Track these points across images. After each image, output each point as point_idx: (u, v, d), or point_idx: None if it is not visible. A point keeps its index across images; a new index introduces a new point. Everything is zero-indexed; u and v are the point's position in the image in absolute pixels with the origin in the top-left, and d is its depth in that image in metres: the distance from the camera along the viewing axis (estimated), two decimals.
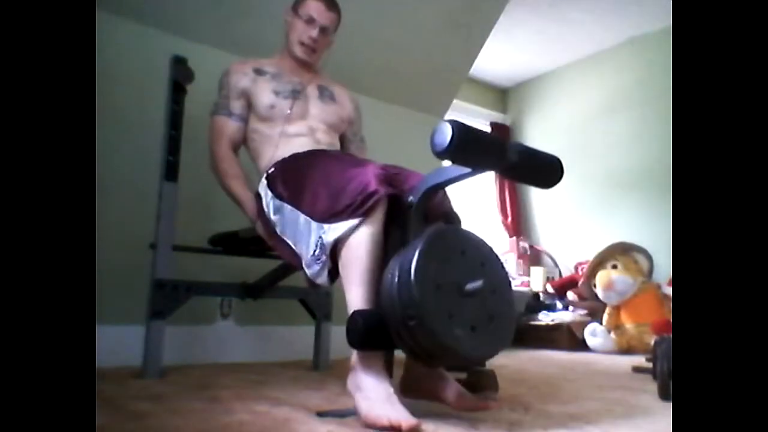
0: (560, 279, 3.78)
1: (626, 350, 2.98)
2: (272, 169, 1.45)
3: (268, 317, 2.17)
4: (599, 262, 3.25)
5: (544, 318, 3.32)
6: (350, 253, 1.10)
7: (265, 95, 1.59)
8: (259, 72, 1.63)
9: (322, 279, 1.18)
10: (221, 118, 1.61)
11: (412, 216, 1.09)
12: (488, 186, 4.43)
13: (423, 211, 1.11)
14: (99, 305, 1.09)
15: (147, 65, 1.99)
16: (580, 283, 3.38)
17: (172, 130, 1.64)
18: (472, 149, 0.94)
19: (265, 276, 1.83)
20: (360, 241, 1.09)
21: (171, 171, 1.63)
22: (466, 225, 1.24)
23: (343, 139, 1.76)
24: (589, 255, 3.40)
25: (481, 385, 1.35)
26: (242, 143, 1.66)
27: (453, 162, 0.98)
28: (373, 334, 1.00)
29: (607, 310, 3.15)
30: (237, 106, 1.61)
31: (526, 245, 4.21)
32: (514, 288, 1.17)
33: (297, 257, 1.25)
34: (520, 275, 3.99)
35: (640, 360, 2.29)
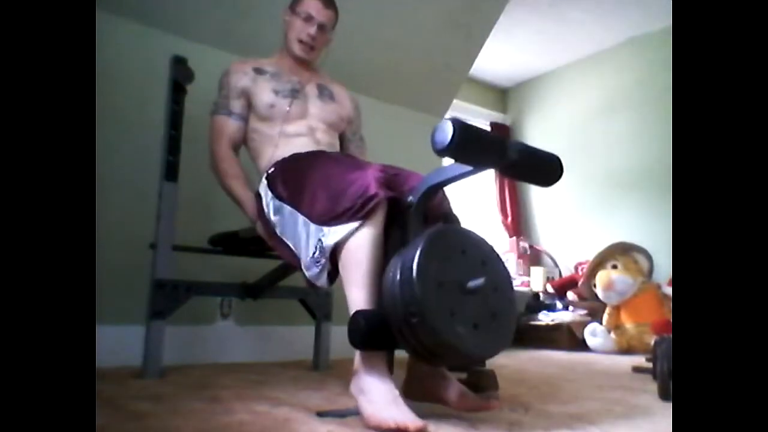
0: (560, 279, 3.78)
1: (626, 350, 2.98)
2: (272, 169, 1.45)
3: (268, 317, 2.17)
4: (599, 262, 3.25)
5: (544, 318, 3.32)
6: (351, 256, 1.10)
7: (264, 94, 1.59)
8: (258, 71, 1.63)
9: (321, 281, 1.18)
10: (221, 118, 1.61)
11: (412, 216, 1.09)
12: (488, 186, 4.43)
13: (423, 211, 1.11)
14: (99, 305, 1.09)
15: (147, 65, 1.99)
16: (580, 283, 3.38)
17: (172, 130, 1.64)
18: (472, 147, 0.94)
19: (265, 276, 1.83)
20: (360, 244, 1.09)
21: (171, 171, 1.63)
22: (466, 225, 1.24)
23: (342, 138, 1.76)
24: (589, 255, 3.40)
25: (481, 385, 1.35)
26: (242, 143, 1.66)
27: (454, 160, 0.98)
28: (375, 334, 1.00)
29: (607, 310, 3.15)
30: (237, 105, 1.61)
31: (526, 245, 4.21)
32: (515, 287, 1.16)
33: (297, 258, 1.25)
34: (520, 275, 3.99)
35: (640, 360, 2.29)
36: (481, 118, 4.49)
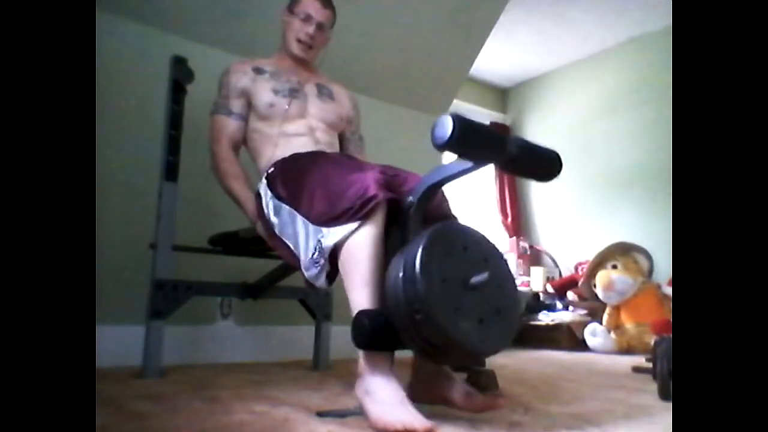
0: (560, 279, 3.78)
1: (626, 350, 2.98)
2: (272, 169, 1.45)
3: (268, 317, 2.17)
4: (599, 262, 3.25)
5: (544, 318, 3.32)
6: (351, 256, 1.09)
7: (264, 93, 1.59)
8: (258, 71, 1.64)
9: (320, 281, 1.18)
10: (221, 118, 1.61)
11: (412, 216, 1.09)
12: (488, 186, 4.43)
13: (423, 211, 1.11)
14: (99, 305, 1.09)
15: (147, 65, 1.99)
16: (580, 283, 3.38)
17: (172, 130, 1.64)
18: (472, 142, 0.94)
19: (265, 276, 1.83)
20: (360, 244, 1.08)
21: (171, 171, 1.63)
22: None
23: (341, 138, 1.77)
24: (589, 255, 3.40)
25: (480, 385, 1.35)
26: (243, 143, 1.66)
27: (455, 155, 0.98)
28: (379, 334, 0.99)
29: (607, 310, 3.15)
30: (237, 105, 1.61)
31: (526, 245, 4.21)
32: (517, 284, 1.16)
33: (296, 258, 1.25)
34: (520, 275, 3.99)
35: (640, 360, 2.29)
36: (481, 118, 4.48)
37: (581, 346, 3.07)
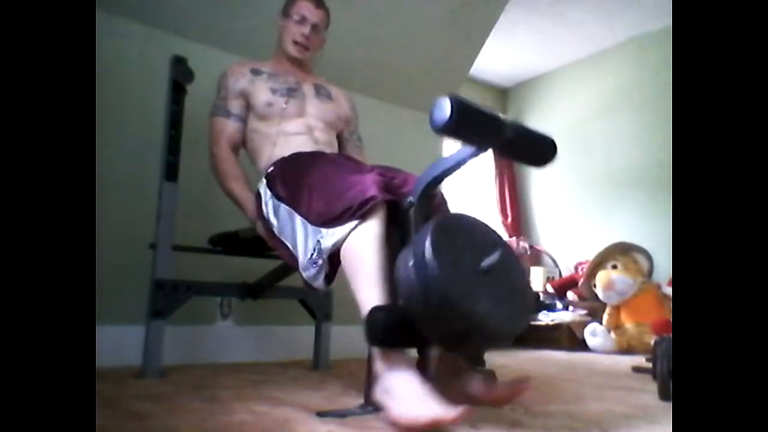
0: (560, 279, 3.78)
1: (626, 350, 2.98)
2: (271, 169, 1.46)
3: (268, 317, 2.17)
4: (599, 262, 3.25)
5: (544, 318, 3.32)
6: (353, 256, 1.08)
7: (262, 93, 1.60)
8: (255, 72, 1.65)
9: (319, 282, 1.18)
10: (220, 120, 1.62)
11: (413, 216, 1.08)
12: (488, 186, 4.43)
13: (424, 211, 1.10)
14: (99, 305, 1.09)
15: (147, 65, 1.99)
16: (580, 283, 3.38)
17: (172, 130, 1.64)
18: (471, 124, 0.92)
19: (265, 276, 1.83)
20: (362, 242, 1.08)
21: (171, 171, 1.63)
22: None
23: (340, 138, 1.77)
24: (589, 255, 3.40)
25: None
26: (241, 144, 1.66)
27: (453, 138, 0.97)
28: (395, 329, 0.95)
29: (607, 310, 3.15)
30: (235, 106, 1.62)
31: (526, 245, 4.20)
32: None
33: (294, 258, 1.25)
34: None
35: (640, 360, 2.29)
36: None
37: (581, 346, 3.07)
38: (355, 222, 1.08)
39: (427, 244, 0.90)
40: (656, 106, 3.58)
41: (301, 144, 1.56)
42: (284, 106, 1.60)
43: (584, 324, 3.13)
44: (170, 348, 1.70)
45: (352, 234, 1.08)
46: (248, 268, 1.89)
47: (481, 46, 2.92)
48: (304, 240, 1.19)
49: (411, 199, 1.10)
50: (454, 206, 1.30)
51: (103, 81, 1.79)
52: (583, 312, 3.28)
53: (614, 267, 3.20)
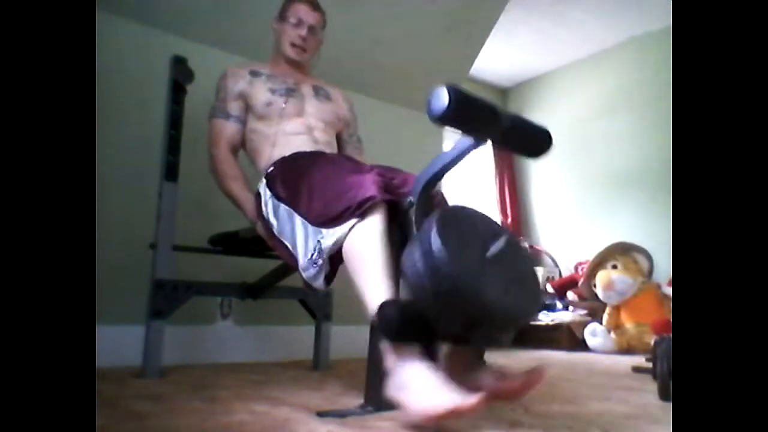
0: (560, 279, 3.78)
1: (626, 350, 2.98)
2: (272, 168, 1.46)
3: (268, 317, 2.17)
4: (599, 262, 3.26)
5: (544, 318, 3.32)
6: (356, 251, 1.07)
7: (261, 93, 1.61)
8: (254, 74, 1.66)
9: (319, 282, 1.18)
10: (219, 121, 1.63)
11: (413, 216, 1.08)
12: (488, 186, 4.43)
13: (424, 209, 1.09)
14: (99, 305, 1.09)
15: (147, 65, 1.99)
16: (580, 283, 3.38)
17: (172, 130, 1.64)
18: (468, 113, 0.93)
19: (265, 276, 1.83)
20: (364, 237, 1.07)
21: (171, 171, 1.63)
22: None
23: (339, 140, 1.79)
24: (589, 255, 3.40)
25: None
26: (241, 146, 1.67)
27: (451, 127, 0.97)
28: (408, 321, 0.93)
29: (607, 310, 3.15)
30: (234, 107, 1.63)
31: (526, 245, 4.21)
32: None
33: (294, 259, 1.25)
34: None
35: (640, 360, 2.29)
36: None
37: (581, 346, 3.07)
38: (354, 220, 1.07)
39: (433, 233, 0.88)
40: (656, 106, 3.58)
41: (301, 144, 1.56)
42: (283, 106, 1.61)
43: (584, 324, 3.13)
44: (170, 348, 1.70)
45: (353, 231, 1.07)
46: (248, 268, 1.89)
47: (481, 46, 2.92)
48: (304, 240, 1.19)
49: (411, 199, 1.10)
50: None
51: (103, 81, 1.80)
52: (583, 312, 3.28)
53: (614, 267, 3.20)
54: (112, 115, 1.88)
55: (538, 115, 4.47)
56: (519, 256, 1.00)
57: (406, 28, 2.56)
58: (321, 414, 1.08)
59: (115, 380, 1.44)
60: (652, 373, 1.69)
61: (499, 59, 4.20)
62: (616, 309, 3.14)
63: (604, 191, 3.89)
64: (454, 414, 0.81)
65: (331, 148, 1.66)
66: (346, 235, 1.08)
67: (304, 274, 1.20)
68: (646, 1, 3.40)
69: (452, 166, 1.02)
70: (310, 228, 1.17)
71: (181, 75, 1.68)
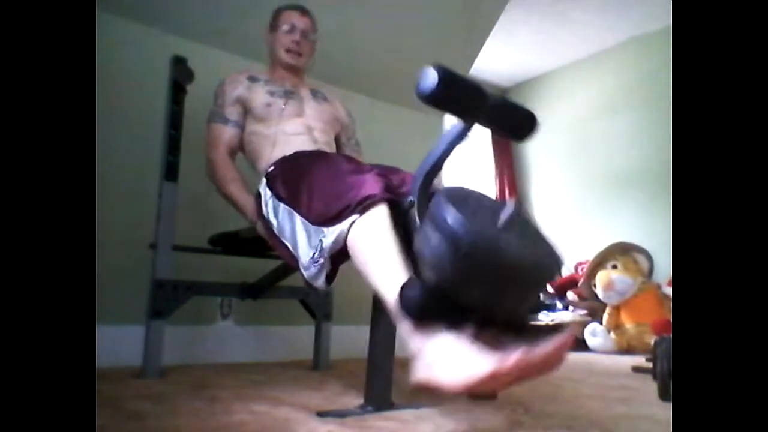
0: (560, 279, 3.78)
1: (626, 350, 2.98)
2: (272, 168, 1.46)
3: (268, 317, 2.17)
4: (599, 262, 3.26)
5: (544, 318, 3.32)
6: (361, 243, 1.05)
7: (260, 96, 1.64)
8: (253, 79, 1.69)
9: (320, 282, 1.18)
10: (217, 126, 1.64)
11: (414, 214, 1.07)
12: (488, 186, 4.43)
13: (425, 205, 1.08)
14: (99, 305, 1.09)
15: (147, 65, 1.99)
16: (580, 283, 3.38)
17: (172, 130, 1.64)
18: (456, 92, 0.93)
19: (265, 276, 1.83)
20: (370, 226, 1.04)
21: (171, 171, 1.63)
22: None
23: (338, 143, 1.81)
24: (589, 255, 3.40)
25: None
26: (239, 149, 1.68)
27: (439, 108, 0.97)
28: (432, 299, 0.88)
29: (607, 310, 3.15)
30: (232, 112, 1.65)
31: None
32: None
33: (294, 258, 1.25)
34: None
35: (640, 360, 2.29)
36: None
37: (581, 346, 3.07)
38: (355, 216, 1.06)
39: (444, 205, 0.87)
40: (656, 106, 3.58)
41: (301, 144, 1.57)
42: (283, 106, 1.63)
43: (584, 324, 3.13)
44: (170, 348, 1.70)
45: (355, 225, 1.05)
46: (248, 268, 1.89)
47: (481, 46, 2.92)
48: (306, 239, 1.19)
49: (411, 198, 1.09)
50: None
51: (103, 81, 1.80)
52: (583, 312, 3.28)
53: (614, 267, 3.20)
54: (112, 115, 1.88)
55: (538, 115, 4.46)
56: (530, 223, 1.00)
57: (405, 28, 2.56)
58: (321, 414, 1.08)
59: (115, 380, 1.44)
60: (652, 373, 1.69)
61: (499, 59, 4.20)
62: (616, 309, 3.14)
63: (604, 191, 3.89)
64: (494, 377, 0.75)
65: (331, 149, 1.67)
66: (348, 231, 1.07)
67: (306, 274, 1.20)
68: (646, 1, 3.40)
69: (446, 156, 1.00)
70: (312, 227, 1.17)
71: (181, 75, 1.68)
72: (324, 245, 1.12)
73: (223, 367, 1.85)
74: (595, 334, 3.02)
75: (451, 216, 0.85)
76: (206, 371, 1.73)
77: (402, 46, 2.62)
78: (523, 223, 0.96)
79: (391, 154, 1.82)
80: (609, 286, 3.11)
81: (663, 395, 1.39)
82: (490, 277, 0.86)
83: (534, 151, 4.47)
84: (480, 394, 0.90)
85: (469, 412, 1.14)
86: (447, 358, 0.83)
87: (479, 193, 1.02)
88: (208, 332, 2.04)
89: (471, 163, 4.48)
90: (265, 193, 1.40)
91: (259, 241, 1.48)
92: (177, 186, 1.64)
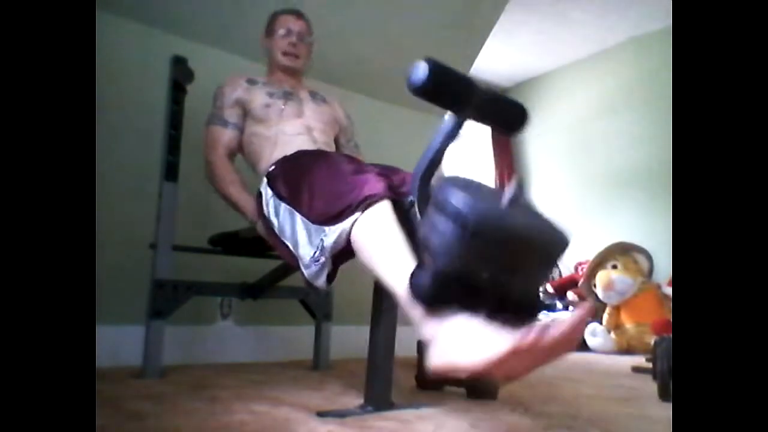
0: (560, 279, 3.78)
1: (626, 350, 2.98)
2: (273, 167, 1.46)
3: (268, 317, 2.17)
4: (599, 262, 3.25)
5: (544, 318, 3.32)
6: (365, 238, 1.04)
7: (259, 97, 1.65)
8: (251, 82, 1.70)
9: (321, 281, 1.18)
10: (216, 128, 1.65)
11: (415, 213, 1.07)
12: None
13: (426, 199, 1.07)
14: (99, 305, 1.09)
15: (147, 65, 1.99)
16: (580, 283, 3.38)
17: (172, 130, 1.65)
18: (446, 85, 0.94)
19: (265, 276, 1.83)
20: (372, 223, 1.04)
21: (171, 171, 1.63)
22: None
23: (337, 145, 1.82)
24: (589, 255, 3.40)
25: (480, 385, 1.35)
26: (238, 151, 1.69)
27: (430, 100, 0.96)
28: (443, 284, 0.86)
29: (607, 310, 3.15)
30: (231, 114, 1.65)
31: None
32: None
33: (295, 258, 1.25)
34: None
35: (640, 360, 2.29)
36: None
37: (581, 346, 3.07)
38: (357, 214, 1.06)
39: (447, 189, 0.86)
40: (656, 106, 3.58)
41: (301, 144, 1.58)
42: (282, 107, 1.64)
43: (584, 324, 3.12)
44: (170, 348, 1.70)
45: (359, 220, 1.05)
46: (248, 268, 1.89)
47: (481, 46, 2.92)
48: (307, 238, 1.19)
49: (411, 198, 1.09)
50: None
51: (103, 81, 1.80)
52: None
53: (614, 267, 3.20)
54: (112, 115, 1.88)
55: (538, 115, 4.47)
56: (531, 204, 0.99)
57: (405, 28, 2.56)
58: (321, 414, 1.08)
59: (115, 380, 1.44)
60: (652, 373, 1.69)
61: (499, 59, 4.20)
62: (616, 309, 3.14)
63: (604, 191, 3.89)
64: (515, 355, 0.71)
65: (330, 149, 1.68)
66: (350, 230, 1.07)
67: (306, 272, 1.20)
68: (646, 1, 3.40)
69: (442, 153, 0.99)
70: (313, 227, 1.17)
71: (181, 75, 1.68)
72: (325, 244, 1.12)
73: (223, 367, 1.85)
74: (595, 334, 3.02)
75: (455, 197, 0.84)
76: (206, 371, 1.73)
77: (402, 46, 2.62)
78: (525, 204, 0.95)
79: (391, 153, 1.82)
80: (609, 286, 3.11)
81: (663, 395, 1.39)
82: (499, 254, 0.84)
83: (534, 151, 4.47)
84: (502, 376, 0.85)
85: (469, 412, 1.14)
86: (464, 339, 0.80)
87: (478, 181, 1.01)
88: (208, 332, 2.04)
89: (471, 163, 4.48)
90: (266, 192, 1.40)
91: (259, 241, 1.48)
92: (177, 186, 1.64)
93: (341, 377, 1.67)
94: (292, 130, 1.61)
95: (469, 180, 0.98)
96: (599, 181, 3.93)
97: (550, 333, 0.74)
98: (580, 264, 3.68)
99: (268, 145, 1.58)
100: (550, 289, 3.68)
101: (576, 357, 2.71)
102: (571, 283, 3.56)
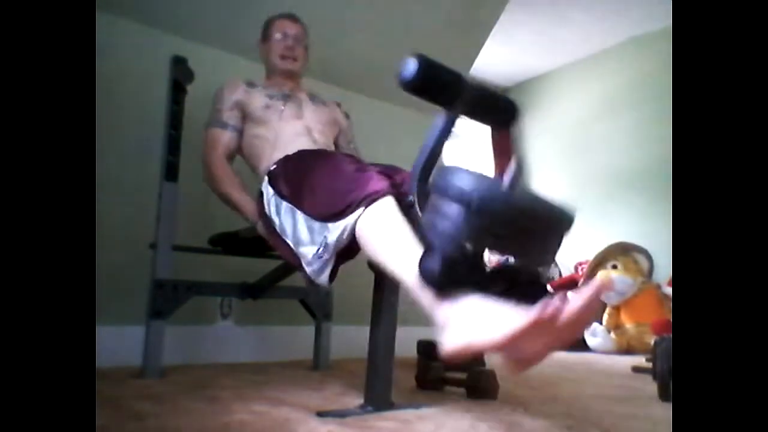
0: (560, 279, 3.78)
1: (626, 350, 2.98)
2: (274, 167, 1.46)
3: (268, 317, 2.17)
4: (599, 262, 3.25)
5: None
6: (370, 230, 1.04)
7: (259, 99, 1.66)
8: (250, 85, 1.71)
9: (323, 278, 1.17)
10: (215, 130, 1.65)
11: (416, 212, 1.07)
12: None
13: (425, 197, 1.06)
14: (99, 305, 1.09)
15: (147, 65, 1.99)
16: (580, 283, 3.38)
17: (172, 130, 1.65)
18: (436, 80, 0.95)
19: (265, 276, 1.83)
20: (377, 216, 1.04)
21: (171, 171, 1.63)
22: None
23: (336, 148, 1.83)
24: (589, 255, 3.40)
25: (480, 385, 1.35)
26: (237, 153, 1.69)
27: (420, 96, 0.97)
28: (453, 267, 0.85)
29: (607, 310, 3.15)
30: (231, 116, 1.66)
31: None
32: None
33: (296, 257, 1.25)
34: None
35: (640, 360, 2.29)
36: None
37: (581, 346, 3.07)
38: (361, 209, 1.06)
39: (450, 172, 0.86)
40: (656, 106, 3.57)
41: (301, 144, 1.58)
42: (282, 108, 1.65)
43: None
44: (170, 348, 1.70)
45: (364, 215, 1.04)
46: (248, 268, 1.89)
47: (481, 46, 2.92)
48: (309, 236, 1.19)
49: (411, 198, 1.09)
50: None
51: (103, 81, 1.80)
52: None
53: (614, 267, 3.20)
54: (112, 115, 1.88)
55: (538, 115, 4.47)
56: (530, 191, 0.99)
57: (405, 28, 2.56)
58: (321, 414, 1.08)
59: (115, 380, 1.44)
60: (652, 373, 1.69)
61: (499, 59, 4.20)
62: (616, 309, 3.14)
63: (604, 191, 3.89)
64: (537, 326, 0.69)
65: (330, 149, 1.68)
66: (354, 225, 1.06)
67: (308, 270, 1.19)
68: (646, 1, 3.40)
69: (438, 149, 0.99)
70: (315, 223, 1.17)
71: (181, 75, 1.68)
72: (329, 240, 1.12)
73: (223, 367, 1.85)
74: (595, 334, 3.02)
75: (458, 177, 0.84)
76: (206, 371, 1.73)
77: (402, 46, 2.62)
78: (526, 189, 0.96)
79: (391, 154, 1.82)
80: (609, 286, 3.11)
81: (663, 395, 1.39)
82: (506, 232, 0.83)
83: (534, 151, 4.47)
84: (520, 357, 0.82)
85: (469, 412, 1.14)
86: (479, 318, 0.78)
87: (477, 171, 1.01)
88: (208, 332, 2.04)
89: (470, 163, 4.48)
90: (268, 191, 1.40)
91: (259, 241, 1.48)
92: (177, 186, 1.64)
93: (341, 377, 1.67)
94: (292, 131, 1.62)
95: (467, 168, 0.98)
96: (599, 180, 3.93)
97: (569, 307, 0.72)
98: (580, 264, 3.68)
99: (269, 146, 1.59)
100: (550, 289, 3.67)
101: (576, 357, 2.71)
102: (571, 283, 3.56)
